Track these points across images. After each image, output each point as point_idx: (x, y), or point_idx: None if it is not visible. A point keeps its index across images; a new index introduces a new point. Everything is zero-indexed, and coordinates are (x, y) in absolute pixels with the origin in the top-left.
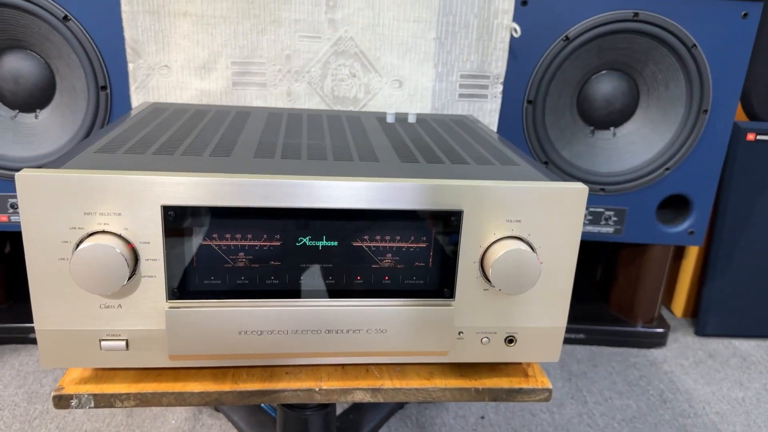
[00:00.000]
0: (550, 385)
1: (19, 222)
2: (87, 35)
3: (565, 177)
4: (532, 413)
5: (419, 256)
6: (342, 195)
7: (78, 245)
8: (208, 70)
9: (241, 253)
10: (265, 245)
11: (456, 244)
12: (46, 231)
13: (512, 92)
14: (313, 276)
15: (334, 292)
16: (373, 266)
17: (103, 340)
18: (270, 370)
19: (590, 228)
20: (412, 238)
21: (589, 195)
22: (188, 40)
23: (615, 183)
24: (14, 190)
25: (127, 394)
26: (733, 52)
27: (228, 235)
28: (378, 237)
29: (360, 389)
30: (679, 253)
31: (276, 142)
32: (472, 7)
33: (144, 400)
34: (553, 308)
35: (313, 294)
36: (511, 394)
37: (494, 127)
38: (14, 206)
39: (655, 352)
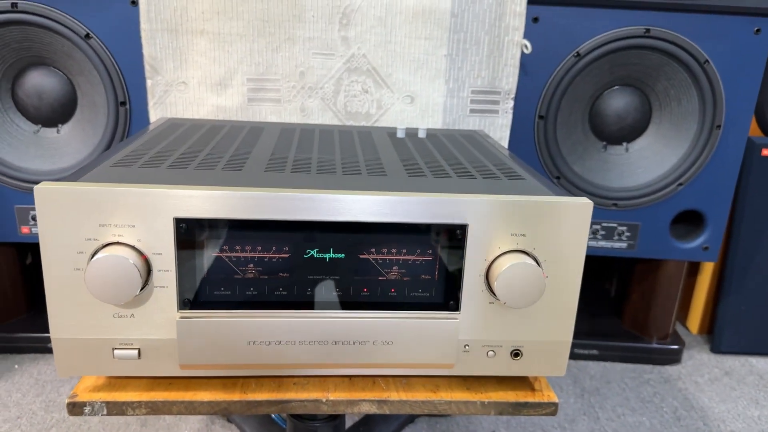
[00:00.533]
0: (556, 399)
1: None
2: (108, 52)
3: (577, 192)
4: (543, 429)
5: (425, 269)
6: (349, 208)
7: (93, 256)
8: (224, 87)
9: (251, 265)
10: (274, 257)
11: (461, 257)
12: (63, 242)
13: (524, 107)
14: (320, 288)
15: (341, 304)
16: (380, 278)
17: (116, 348)
18: (278, 381)
19: (603, 243)
20: (418, 250)
21: (602, 210)
22: (205, 58)
23: (628, 198)
24: None
25: (139, 402)
26: (746, 68)
27: (238, 247)
28: (384, 250)
29: (366, 401)
30: (694, 268)
31: (287, 156)
32: (483, 25)
33: (155, 409)
34: (559, 322)
35: (321, 306)
36: (517, 408)
37: (505, 142)
38: (36, 218)
39: (669, 369)
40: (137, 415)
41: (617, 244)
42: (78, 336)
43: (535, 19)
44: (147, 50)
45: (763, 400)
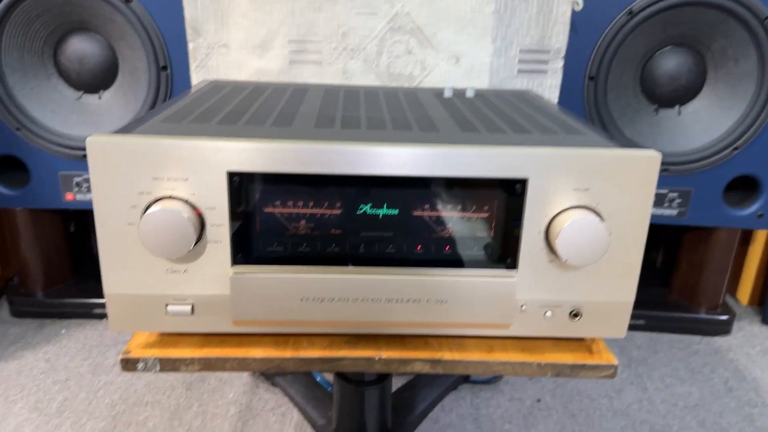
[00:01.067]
0: (615, 361)
1: (84, 200)
2: (149, 16)
3: None
4: (590, 397)
5: (481, 226)
6: (402, 162)
7: (146, 210)
8: (265, 49)
9: (303, 221)
10: (326, 213)
11: (520, 213)
12: (116, 196)
13: (573, 68)
14: (373, 245)
15: (394, 261)
16: (434, 235)
17: (169, 304)
18: (329, 339)
19: (653, 210)
20: (474, 206)
21: None
22: (246, 19)
23: (680, 163)
24: (80, 169)
25: (192, 358)
26: None
27: (290, 202)
28: (439, 205)
29: (419, 360)
30: (746, 237)
31: (335, 114)
32: None
33: (208, 365)
34: (621, 282)
35: (373, 262)
36: (575, 370)
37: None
38: (79, 185)
39: (719, 340)
40: (190, 371)
41: (667, 212)
42: (131, 292)
43: None
44: (188, 12)
45: None
